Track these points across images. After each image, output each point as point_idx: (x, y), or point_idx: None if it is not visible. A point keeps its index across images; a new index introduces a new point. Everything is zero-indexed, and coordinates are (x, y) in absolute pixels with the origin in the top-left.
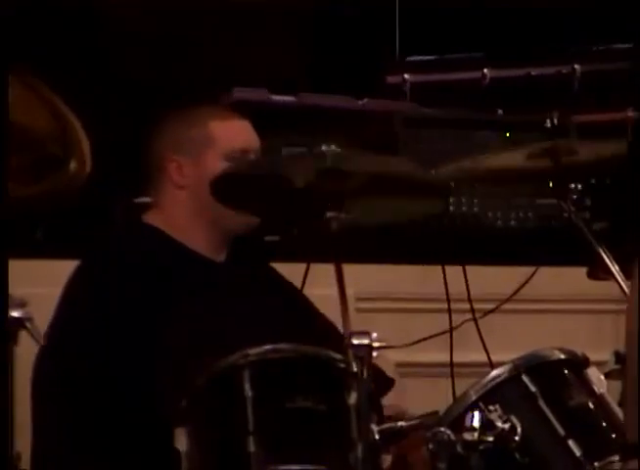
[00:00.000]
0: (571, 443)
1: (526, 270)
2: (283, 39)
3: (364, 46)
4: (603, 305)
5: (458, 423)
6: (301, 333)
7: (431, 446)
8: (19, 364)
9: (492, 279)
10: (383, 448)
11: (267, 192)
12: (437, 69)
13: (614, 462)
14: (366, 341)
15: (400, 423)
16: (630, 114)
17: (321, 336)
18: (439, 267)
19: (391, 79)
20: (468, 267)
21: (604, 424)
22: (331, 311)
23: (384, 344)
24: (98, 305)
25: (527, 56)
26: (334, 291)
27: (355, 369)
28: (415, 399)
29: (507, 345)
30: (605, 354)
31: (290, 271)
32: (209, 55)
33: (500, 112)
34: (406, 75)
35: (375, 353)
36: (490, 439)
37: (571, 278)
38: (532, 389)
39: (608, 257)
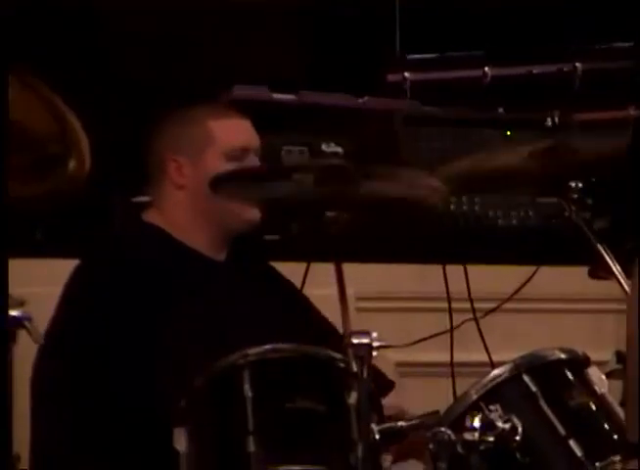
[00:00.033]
0: (572, 443)
1: (527, 269)
2: (283, 39)
3: (364, 45)
4: (604, 305)
5: (459, 423)
6: (301, 333)
7: (431, 446)
8: (17, 364)
9: (493, 278)
10: (383, 448)
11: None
12: (438, 67)
13: (615, 462)
14: (366, 340)
15: (400, 423)
16: (632, 112)
17: (320, 336)
18: (440, 267)
19: (392, 78)
20: (468, 266)
21: (605, 424)
22: (331, 311)
23: (384, 343)
24: (98, 304)
25: (528, 54)
26: (334, 290)
27: (355, 369)
28: (415, 399)
29: (508, 344)
30: (606, 354)
31: (290, 271)
32: (209, 55)
33: (501, 110)
34: (407, 74)
35: (375, 353)
36: (491, 439)
37: (573, 277)
38: (533, 388)
39: (609, 256)
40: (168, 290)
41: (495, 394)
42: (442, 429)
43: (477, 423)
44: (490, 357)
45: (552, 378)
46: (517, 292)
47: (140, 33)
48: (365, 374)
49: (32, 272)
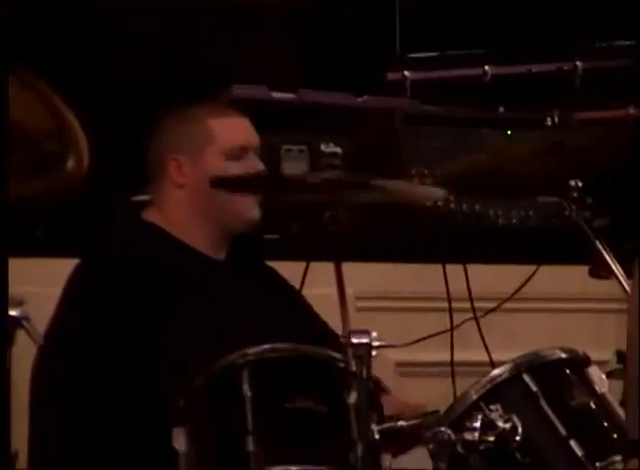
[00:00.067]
0: (572, 442)
1: (528, 269)
2: (283, 39)
3: (364, 44)
4: (604, 305)
5: (459, 423)
6: (301, 332)
7: (431, 446)
8: (15, 363)
9: (493, 278)
10: (382, 448)
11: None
12: (438, 66)
13: (615, 462)
14: (366, 340)
15: (400, 423)
16: (632, 111)
17: (320, 336)
18: (440, 266)
19: (392, 76)
20: (469, 266)
21: (605, 424)
22: (330, 311)
23: (383, 343)
24: (98, 303)
25: (529, 53)
26: (333, 290)
27: (355, 369)
28: (415, 398)
29: (508, 344)
30: (606, 354)
31: (289, 270)
32: (209, 55)
33: (501, 109)
34: (407, 72)
35: (374, 353)
36: (491, 439)
37: (573, 277)
38: (533, 388)
39: (609, 255)
40: (168, 289)
41: (495, 393)
42: (442, 429)
43: (477, 423)
44: (490, 357)
45: (552, 378)
46: (517, 291)
47: (140, 33)
48: (365, 374)
49: (32, 272)
